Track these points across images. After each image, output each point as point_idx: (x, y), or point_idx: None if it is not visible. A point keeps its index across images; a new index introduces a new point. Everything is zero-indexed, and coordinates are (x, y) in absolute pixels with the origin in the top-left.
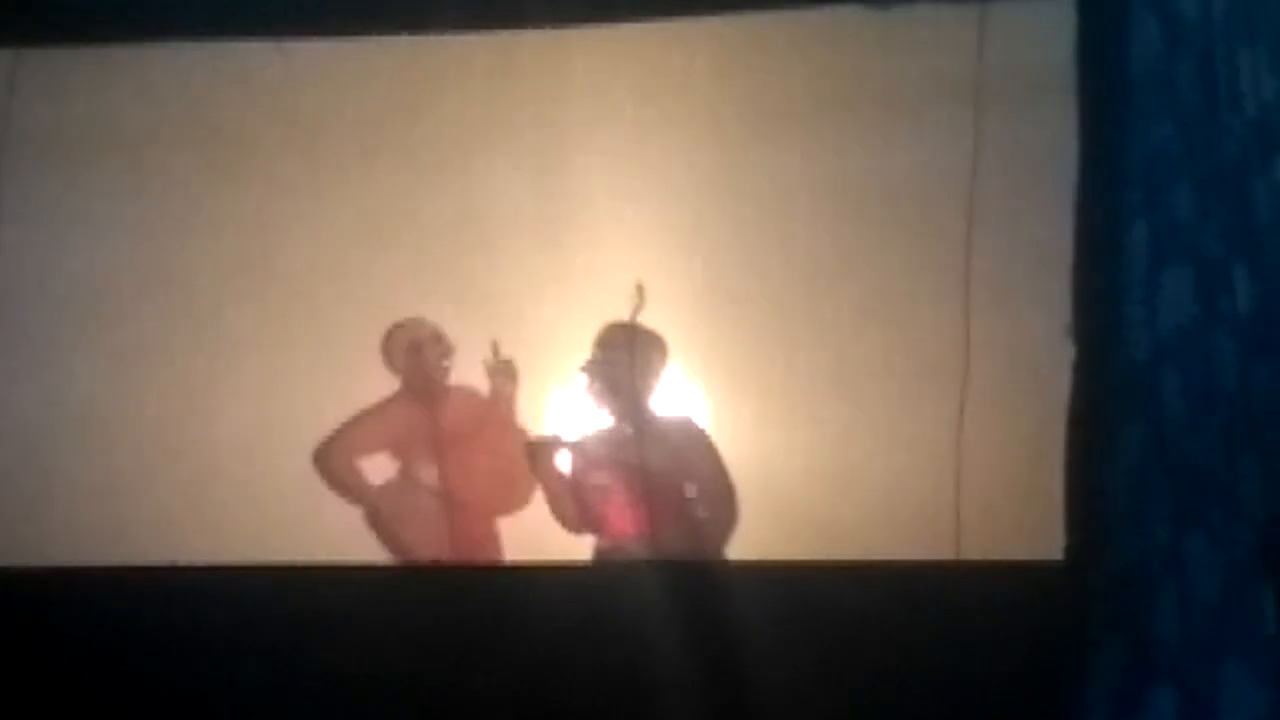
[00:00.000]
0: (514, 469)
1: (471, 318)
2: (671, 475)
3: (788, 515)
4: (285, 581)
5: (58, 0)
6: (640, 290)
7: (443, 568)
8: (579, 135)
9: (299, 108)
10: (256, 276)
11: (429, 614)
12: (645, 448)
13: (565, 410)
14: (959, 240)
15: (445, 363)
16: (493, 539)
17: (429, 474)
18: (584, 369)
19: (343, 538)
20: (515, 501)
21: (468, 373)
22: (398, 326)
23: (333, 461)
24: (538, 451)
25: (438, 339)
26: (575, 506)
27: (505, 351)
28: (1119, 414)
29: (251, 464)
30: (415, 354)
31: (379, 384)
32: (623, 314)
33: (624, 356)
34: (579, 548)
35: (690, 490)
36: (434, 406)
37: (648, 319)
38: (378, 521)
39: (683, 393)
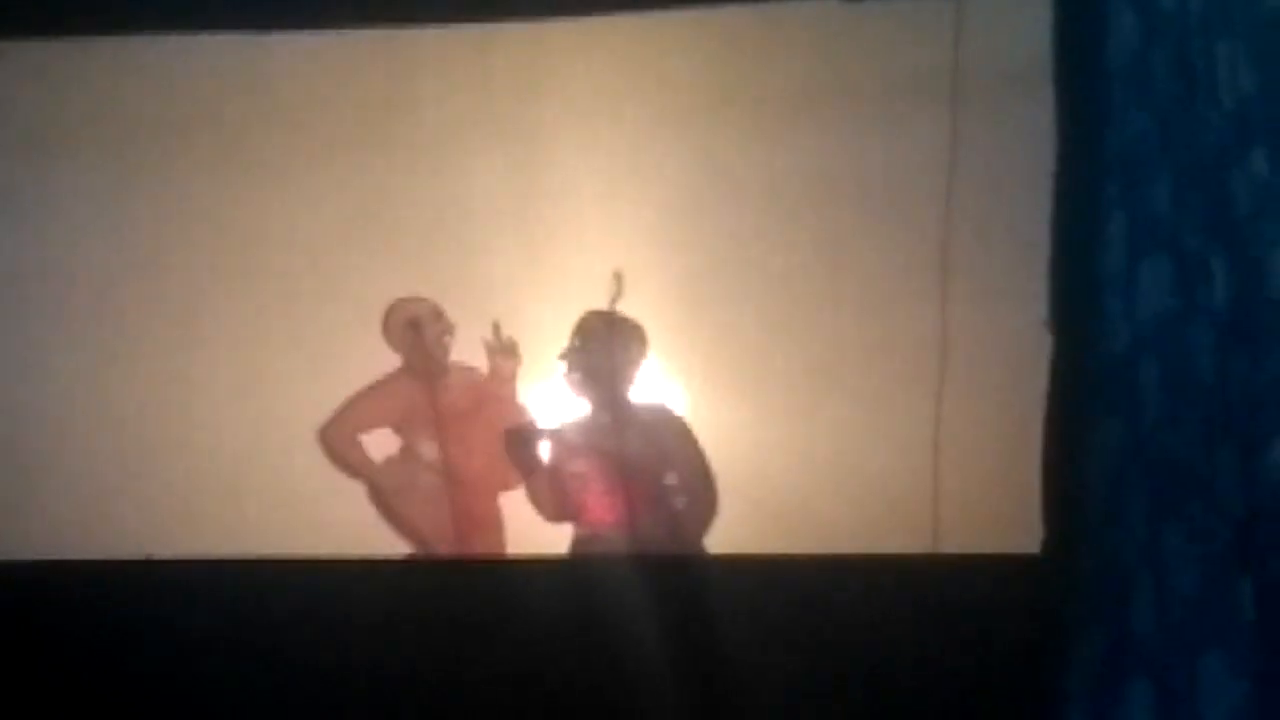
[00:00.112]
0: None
1: (452, 308)
2: (650, 463)
3: (765, 508)
4: (269, 575)
5: None
6: (618, 279)
7: (427, 561)
8: (558, 127)
9: (279, 100)
10: (238, 270)
11: (413, 607)
12: (624, 436)
13: (544, 398)
14: (936, 233)
15: (445, 339)
16: (494, 518)
17: (429, 450)
18: (563, 357)
19: (327, 531)
20: (516, 479)
21: (465, 355)
22: (398, 303)
23: (336, 438)
24: (516, 439)
25: (437, 316)
26: (554, 494)
27: (489, 338)
28: (1097, 406)
29: (235, 457)
30: (415, 331)
31: (362, 375)
32: (601, 304)
33: (602, 345)
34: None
35: (669, 478)
36: (434, 384)
37: (626, 311)
38: (380, 498)
39: (660, 384)
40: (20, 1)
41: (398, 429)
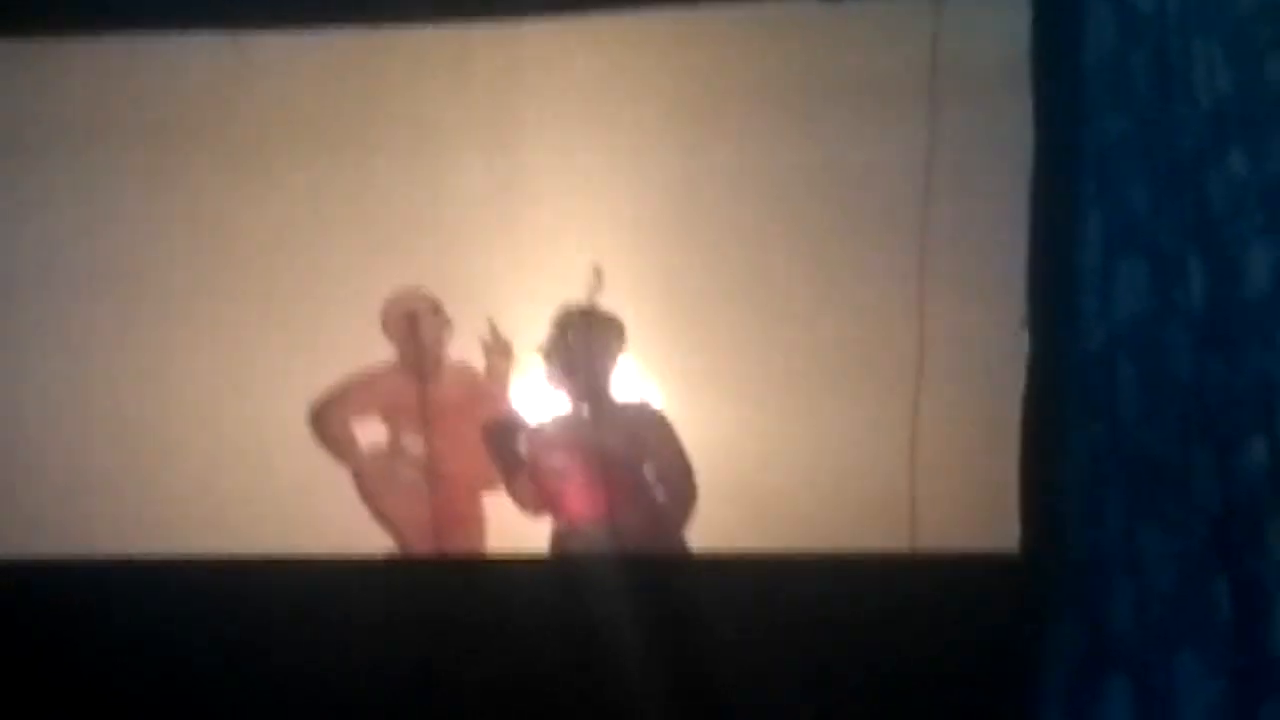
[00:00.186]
0: None
1: None
2: (629, 457)
3: (742, 505)
4: (252, 574)
5: None
6: (597, 273)
7: (411, 559)
8: (538, 125)
9: (261, 99)
10: (216, 268)
11: (398, 605)
12: (603, 430)
13: (522, 393)
14: (914, 232)
15: (442, 335)
16: (476, 517)
17: (414, 445)
18: (541, 351)
19: (313, 529)
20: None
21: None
22: (398, 295)
23: (328, 419)
24: (494, 433)
25: (435, 311)
26: (533, 489)
27: (486, 336)
28: (1073, 405)
29: (215, 454)
30: (411, 324)
31: (346, 371)
32: (581, 299)
33: (581, 339)
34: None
35: (648, 472)
36: (426, 378)
37: (605, 306)
38: (362, 485)
39: (637, 380)
40: None
41: (385, 419)
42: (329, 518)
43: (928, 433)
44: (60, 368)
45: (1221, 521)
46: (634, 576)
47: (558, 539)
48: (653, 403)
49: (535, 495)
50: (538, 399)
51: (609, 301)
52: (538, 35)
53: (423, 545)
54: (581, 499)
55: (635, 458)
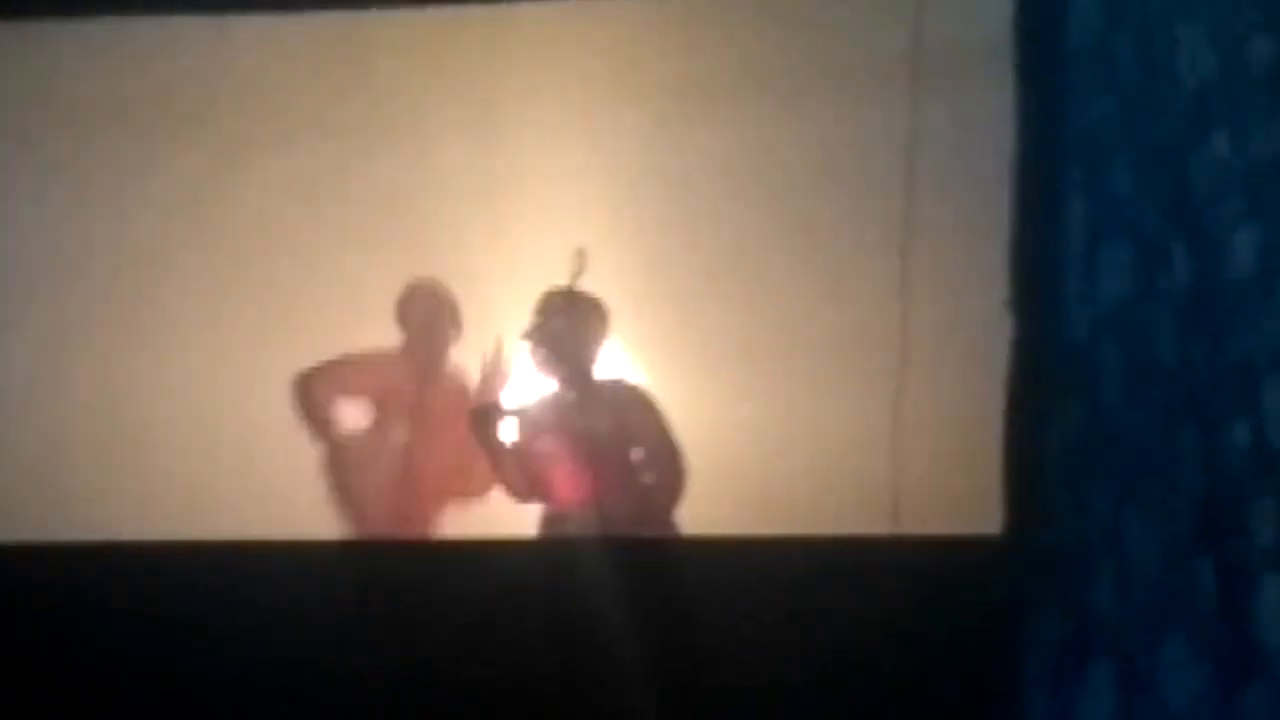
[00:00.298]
0: (478, 462)
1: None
2: (617, 440)
3: (725, 489)
4: (237, 558)
5: None
6: (581, 256)
7: (388, 543)
8: (518, 107)
9: (240, 83)
10: (194, 251)
11: (374, 589)
12: (590, 413)
13: (507, 377)
14: (897, 215)
15: (452, 337)
16: (436, 521)
17: (400, 435)
18: (525, 335)
19: (286, 512)
20: (472, 490)
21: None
22: (423, 284)
23: (315, 389)
24: (481, 419)
25: (453, 314)
26: (521, 474)
27: (488, 354)
28: (1058, 389)
29: (199, 439)
30: (427, 319)
31: (324, 356)
32: (564, 281)
33: (565, 322)
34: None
35: (637, 455)
36: (424, 375)
37: (588, 288)
38: (334, 464)
39: (621, 363)
40: None
41: (375, 406)
42: (315, 503)
43: (911, 417)
44: (39, 353)
45: (1205, 505)
46: (616, 560)
47: (547, 523)
48: (637, 384)
49: (524, 481)
50: (524, 384)
51: (592, 285)
52: (522, 18)
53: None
54: (570, 483)
55: (623, 440)
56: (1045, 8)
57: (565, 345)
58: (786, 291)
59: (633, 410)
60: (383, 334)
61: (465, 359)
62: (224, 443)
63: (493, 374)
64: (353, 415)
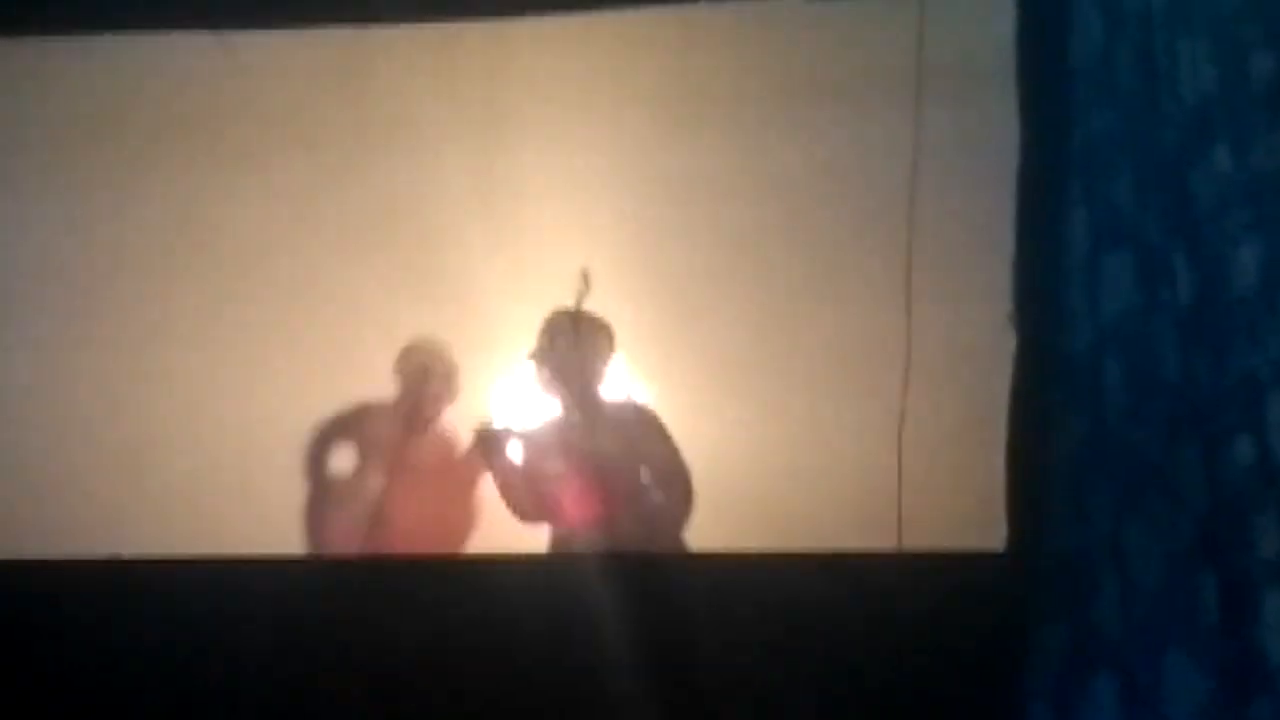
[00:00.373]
0: (456, 521)
1: (420, 308)
2: (625, 461)
3: (730, 505)
4: (238, 574)
5: None
6: (585, 277)
7: (394, 558)
8: (524, 127)
9: (245, 98)
10: (193, 267)
11: (376, 605)
12: (597, 434)
13: (512, 398)
14: (901, 229)
15: (442, 400)
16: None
17: (377, 485)
18: (532, 357)
19: (282, 529)
20: (447, 544)
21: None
22: (422, 343)
23: (316, 439)
24: (489, 442)
25: (448, 376)
26: (529, 496)
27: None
28: (1061, 403)
29: (201, 454)
30: (420, 377)
31: (330, 371)
32: (568, 301)
33: (571, 344)
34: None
35: (644, 475)
36: (411, 433)
37: (594, 309)
38: (314, 507)
39: (626, 383)
40: None
41: (360, 452)
42: (297, 520)
43: (914, 431)
44: (38, 367)
45: (1208, 519)
46: (618, 575)
47: (554, 544)
48: (643, 405)
49: (531, 503)
50: (530, 405)
51: (594, 296)
52: (523, 31)
53: None
54: (578, 504)
55: (631, 461)
56: (1048, 22)
57: (571, 366)
58: (789, 305)
59: (639, 431)
60: (382, 347)
61: (456, 420)
62: (229, 457)
63: (483, 447)
64: (339, 459)
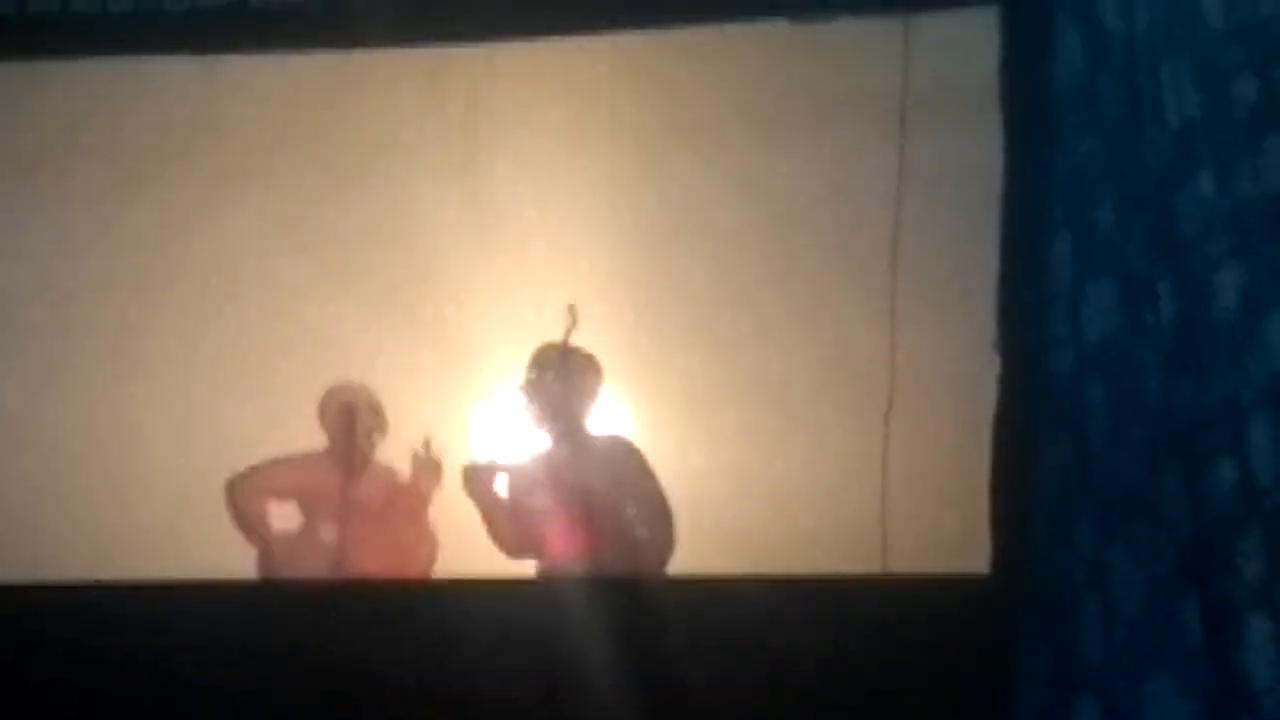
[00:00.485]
0: (412, 553)
1: (405, 341)
2: (610, 496)
3: (715, 530)
4: (203, 597)
5: None
6: (573, 312)
7: (373, 583)
8: (506, 151)
9: (229, 126)
10: (177, 291)
11: (356, 631)
12: (583, 469)
13: (493, 429)
14: (885, 254)
15: (374, 436)
16: None
17: (329, 535)
18: (520, 390)
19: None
20: (411, 573)
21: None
22: (337, 387)
23: (241, 494)
24: (475, 476)
25: (374, 411)
26: (514, 530)
27: (419, 450)
28: (1044, 427)
29: (169, 478)
30: (346, 418)
31: (309, 401)
32: (553, 330)
33: (558, 377)
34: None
35: (629, 510)
36: (350, 474)
37: (578, 332)
38: (267, 565)
39: (612, 410)
40: None
41: (303, 506)
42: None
43: (899, 456)
44: (17, 391)
45: (1191, 543)
46: (604, 600)
47: (541, 578)
48: (630, 440)
49: (518, 537)
50: (516, 438)
51: (580, 323)
52: (505, 57)
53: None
54: (564, 539)
55: (616, 496)
56: (1030, 48)
57: (558, 400)
58: (774, 333)
59: (625, 466)
60: (364, 372)
61: (393, 451)
62: (200, 483)
63: (424, 471)
64: (283, 517)
